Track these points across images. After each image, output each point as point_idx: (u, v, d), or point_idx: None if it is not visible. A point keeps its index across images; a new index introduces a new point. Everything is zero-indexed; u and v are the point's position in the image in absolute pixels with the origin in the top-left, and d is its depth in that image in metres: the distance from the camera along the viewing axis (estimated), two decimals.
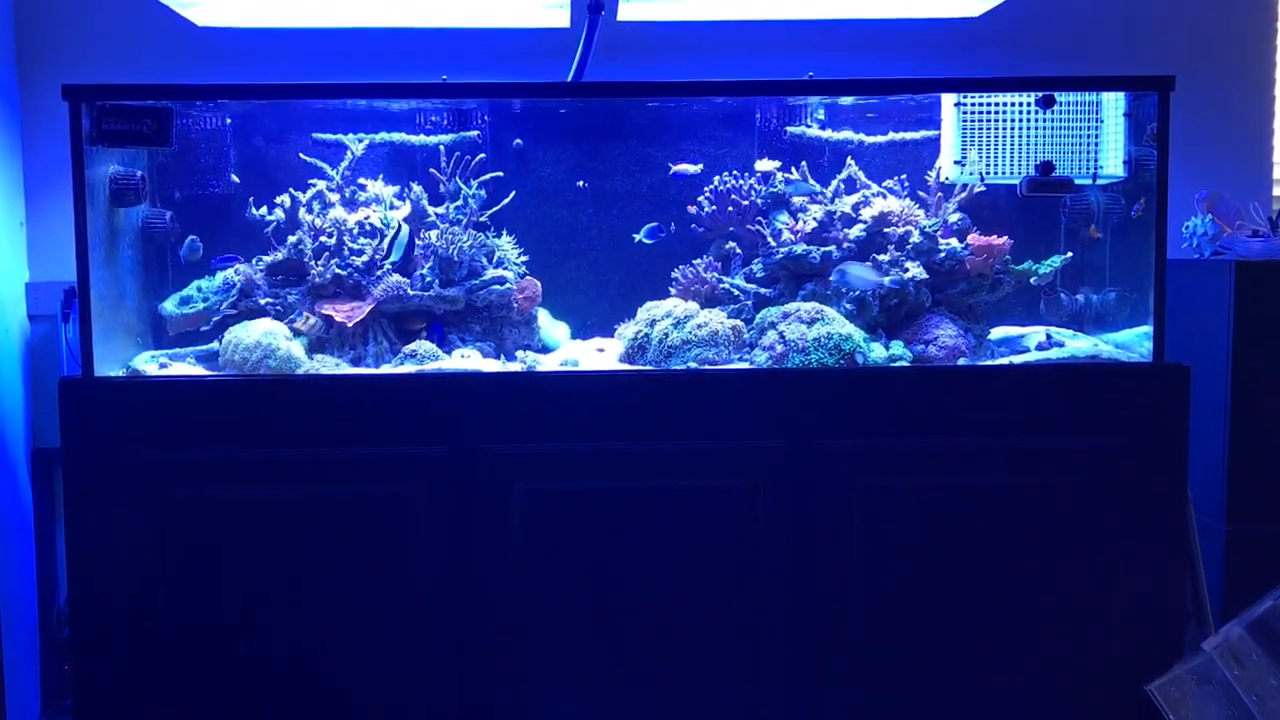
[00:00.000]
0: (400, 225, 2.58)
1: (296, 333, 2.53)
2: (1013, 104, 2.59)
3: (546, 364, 2.57)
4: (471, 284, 2.65)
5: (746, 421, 2.35)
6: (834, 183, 2.72)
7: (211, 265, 2.65)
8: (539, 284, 2.72)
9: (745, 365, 2.50)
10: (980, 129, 2.61)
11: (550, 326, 2.77)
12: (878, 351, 2.50)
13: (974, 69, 2.95)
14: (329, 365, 2.50)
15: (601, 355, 2.67)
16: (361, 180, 2.72)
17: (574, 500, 2.33)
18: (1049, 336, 2.62)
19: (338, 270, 2.60)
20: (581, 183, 2.79)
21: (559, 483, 2.33)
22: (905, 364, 2.49)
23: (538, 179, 2.81)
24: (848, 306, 2.58)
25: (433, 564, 2.32)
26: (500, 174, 2.73)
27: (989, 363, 2.52)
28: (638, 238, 2.71)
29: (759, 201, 2.73)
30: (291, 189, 2.68)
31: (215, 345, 2.56)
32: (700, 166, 2.76)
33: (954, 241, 2.63)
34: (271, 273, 2.65)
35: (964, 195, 2.67)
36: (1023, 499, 2.37)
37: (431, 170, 2.70)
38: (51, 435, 2.80)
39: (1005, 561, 2.37)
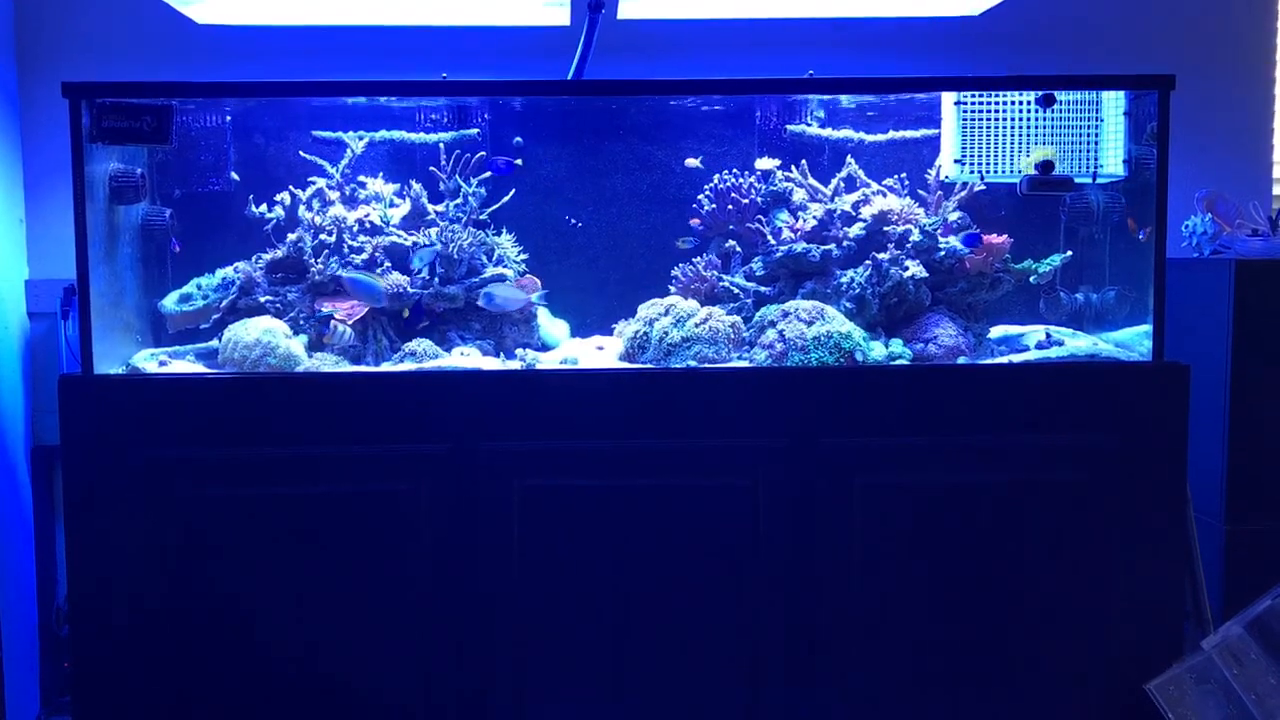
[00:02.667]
0: (434, 242, 2.59)
1: (324, 346, 2.53)
2: (1013, 103, 2.59)
3: (546, 362, 2.57)
4: (471, 282, 2.65)
5: (746, 419, 2.35)
6: (834, 181, 2.72)
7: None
8: (539, 282, 2.73)
9: (745, 363, 2.51)
10: (980, 128, 2.61)
11: (550, 324, 2.77)
12: (877, 350, 2.51)
13: (974, 68, 2.95)
14: (329, 363, 2.50)
15: (601, 353, 2.67)
16: (361, 178, 2.72)
17: (573, 498, 2.33)
18: (1048, 335, 2.62)
19: (338, 269, 2.60)
20: (573, 220, 2.78)
21: (558, 480, 2.33)
22: (905, 362, 2.49)
23: (537, 177, 2.81)
24: (847, 305, 2.58)
25: (432, 561, 2.32)
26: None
27: (988, 361, 2.52)
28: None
29: (759, 200, 2.73)
30: (291, 187, 2.68)
31: (215, 343, 2.56)
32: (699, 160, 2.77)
33: (954, 240, 2.63)
34: (271, 270, 2.65)
35: (964, 194, 2.67)
36: (1022, 497, 2.37)
37: (431, 168, 2.70)
38: (51, 433, 2.80)
39: (1003, 560, 2.37)
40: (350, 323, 2.55)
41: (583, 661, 2.36)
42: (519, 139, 2.79)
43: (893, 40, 2.97)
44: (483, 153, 2.70)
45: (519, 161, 2.71)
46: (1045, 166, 2.55)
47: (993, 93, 2.59)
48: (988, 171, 2.62)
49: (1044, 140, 2.59)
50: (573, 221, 2.75)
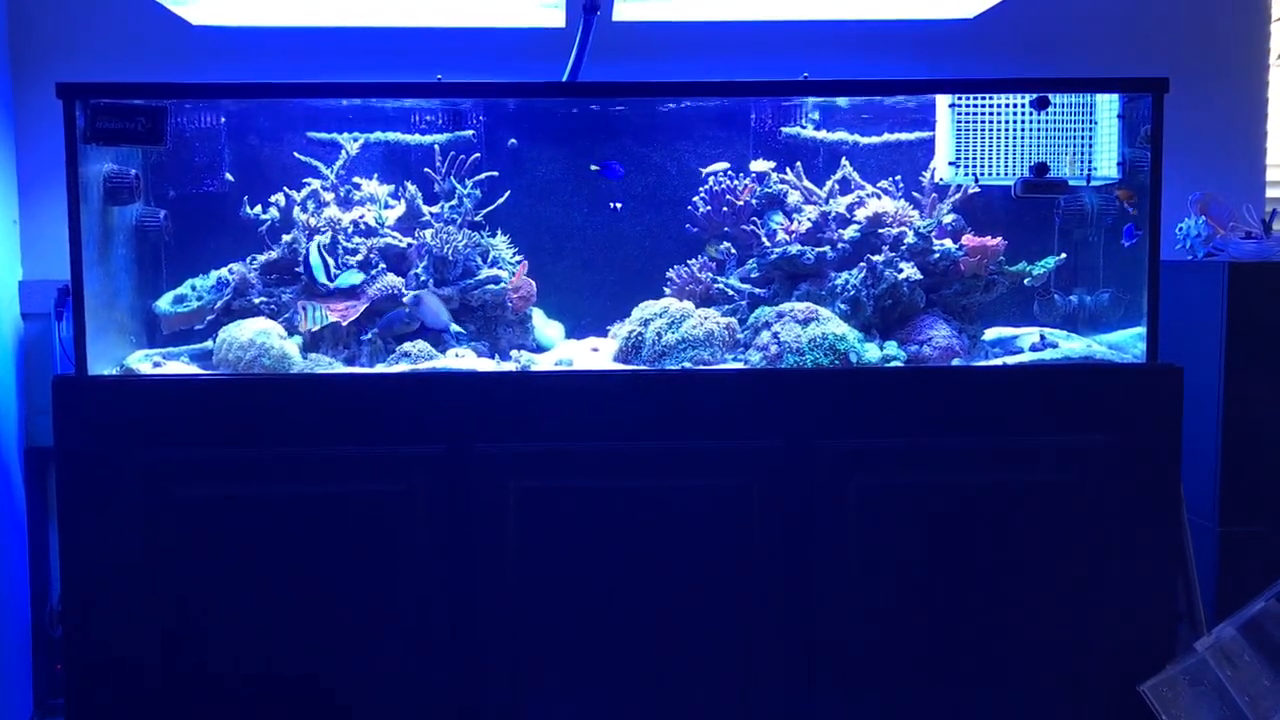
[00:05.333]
0: (307, 248, 2.59)
1: (301, 332, 2.52)
2: (1007, 105, 2.59)
3: (541, 363, 2.57)
4: (466, 283, 2.65)
5: (741, 421, 2.35)
6: (829, 183, 2.73)
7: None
8: (534, 283, 2.73)
9: (740, 365, 2.51)
10: (975, 130, 2.61)
11: (545, 326, 2.77)
12: (872, 352, 2.51)
13: (969, 70, 2.96)
14: (323, 364, 2.50)
15: (596, 355, 2.67)
16: (356, 179, 2.72)
17: (568, 499, 2.33)
18: (1043, 337, 2.62)
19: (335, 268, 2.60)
20: (616, 205, 2.79)
21: (553, 482, 2.33)
22: (899, 364, 2.49)
23: (532, 179, 2.81)
24: (842, 307, 2.58)
25: (427, 562, 2.32)
26: (495, 173, 2.73)
27: (983, 363, 2.53)
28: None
29: (754, 202, 2.73)
30: (286, 188, 2.68)
31: (209, 344, 2.55)
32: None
33: (948, 242, 2.64)
34: (266, 271, 2.65)
35: (958, 196, 2.68)
36: (1016, 499, 2.37)
37: (426, 170, 2.70)
38: (45, 434, 2.80)
39: (998, 562, 2.38)
40: (346, 323, 2.54)
41: (578, 662, 2.36)
42: (514, 140, 2.79)
43: (888, 42, 2.97)
44: (477, 154, 2.70)
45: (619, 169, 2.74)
46: (1039, 169, 2.55)
47: (987, 95, 2.59)
48: (983, 174, 2.62)
49: (1038, 143, 2.60)
50: (614, 205, 2.74)
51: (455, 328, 2.60)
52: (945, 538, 2.37)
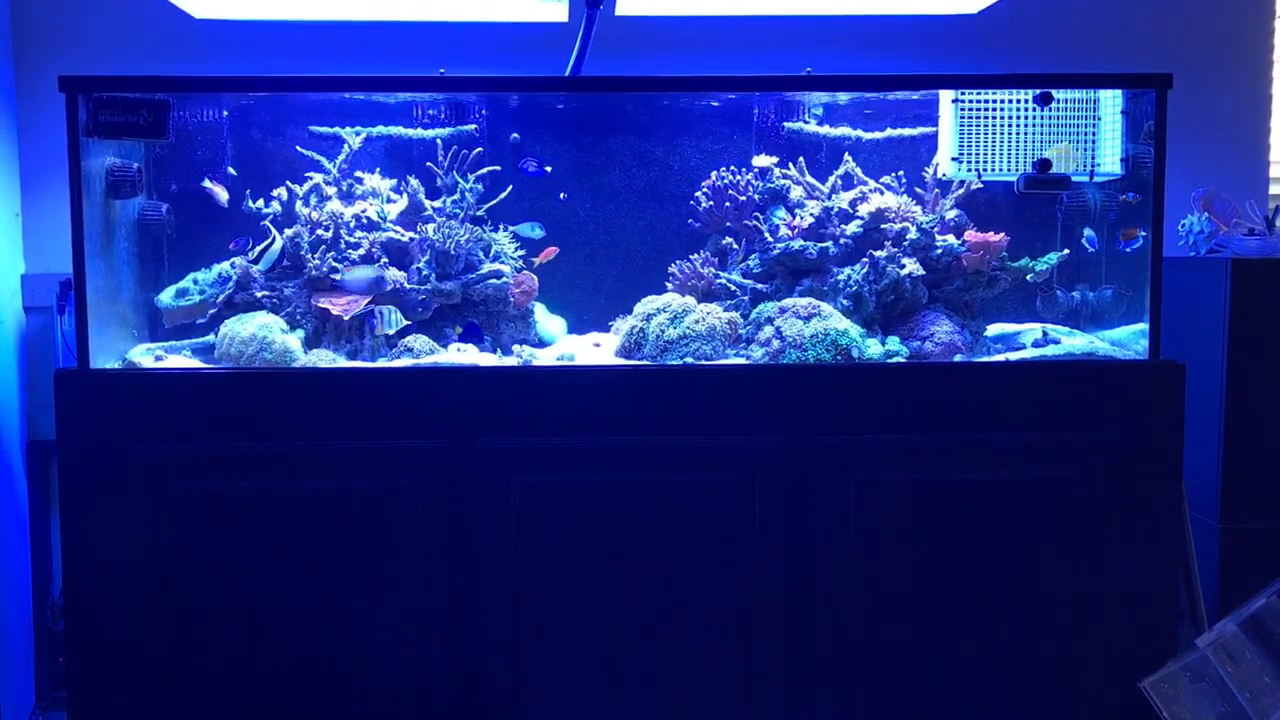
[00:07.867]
0: (275, 237, 2.60)
1: (378, 336, 2.53)
2: (1010, 101, 2.59)
3: (543, 358, 2.57)
4: (468, 278, 2.65)
5: (742, 417, 2.35)
6: (831, 178, 2.73)
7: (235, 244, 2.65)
8: (535, 278, 2.73)
9: (742, 360, 2.51)
10: (978, 126, 2.61)
11: (547, 321, 2.77)
12: (874, 347, 2.51)
13: (972, 66, 2.96)
14: (325, 359, 2.50)
15: (598, 350, 2.67)
16: (358, 173, 2.72)
17: (570, 494, 2.33)
18: (1045, 333, 2.62)
19: (334, 263, 2.59)
20: (563, 195, 2.79)
21: (555, 477, 2.33)
22: (901, 360, 2.49)
23: (535, 173, 2.80)
24: (844, 302, 2.58)
25: (429, 557, 2.32)
26: (497, 168, 2.73)
27: (985, 359, 2.53)
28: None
29: (756, 197, 2.73)
30: (288, 182, 2.68)
31: (211, 338, 2.55)
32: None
33: (951, 238, 2.64)
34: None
35: (961, 192, 2.68)
36: (1018, 495, 2.37)
37: (429, 164, 2.70)
38: (47, 428, 2.80)
39: (1000, 558, 2.38)
40: (348, 318, 2.54)
41: (578, 657, 2.36)
42: (516, 135, 2.79)
43: (891, 38, 2.97)
44: (480, 149, 2.70)
45: (548, 169, 2.73)
46: (1042, 165, 2.55)
47: (990, 91, 2.59)
48: (985, 170, 2.62)
49: (1041, 138, 2.59)
50: (562, 195, 2.74)
51: (389, 274, 2.58)
52: (947, 533, 2.37)
